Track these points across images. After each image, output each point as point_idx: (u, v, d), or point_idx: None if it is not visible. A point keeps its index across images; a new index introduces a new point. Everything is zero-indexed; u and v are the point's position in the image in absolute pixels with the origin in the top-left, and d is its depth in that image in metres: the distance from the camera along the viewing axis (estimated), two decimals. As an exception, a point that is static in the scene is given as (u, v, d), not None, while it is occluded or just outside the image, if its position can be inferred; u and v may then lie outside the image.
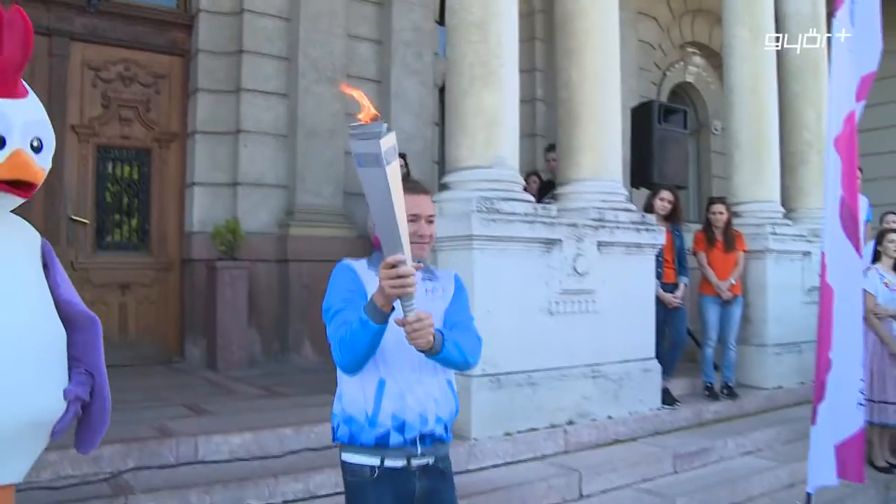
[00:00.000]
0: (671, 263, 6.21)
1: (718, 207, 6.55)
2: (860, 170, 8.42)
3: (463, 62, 5.26)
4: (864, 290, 6.16)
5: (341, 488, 4.19)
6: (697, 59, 11.55)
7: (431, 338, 2.22)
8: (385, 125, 2.00)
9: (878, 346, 6.04)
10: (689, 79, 11.64)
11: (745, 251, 6.60)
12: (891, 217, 7.95)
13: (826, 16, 7.97)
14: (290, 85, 7.69)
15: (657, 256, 5.93)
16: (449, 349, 2.32)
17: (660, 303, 5.99)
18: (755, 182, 7.39)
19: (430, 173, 8.13)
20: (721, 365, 6.60)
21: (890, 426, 6.00)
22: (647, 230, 5.73)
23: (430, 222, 2.55)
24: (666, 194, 6.28)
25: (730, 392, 6.52)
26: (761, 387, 6.99)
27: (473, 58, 5.22)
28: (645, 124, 7.18)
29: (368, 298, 2.26)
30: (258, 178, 7.54)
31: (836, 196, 4.44)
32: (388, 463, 2.44)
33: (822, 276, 4.43)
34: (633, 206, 5.88)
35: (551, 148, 7.39)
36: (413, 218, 2.44)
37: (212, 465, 4.20)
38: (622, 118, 6.14)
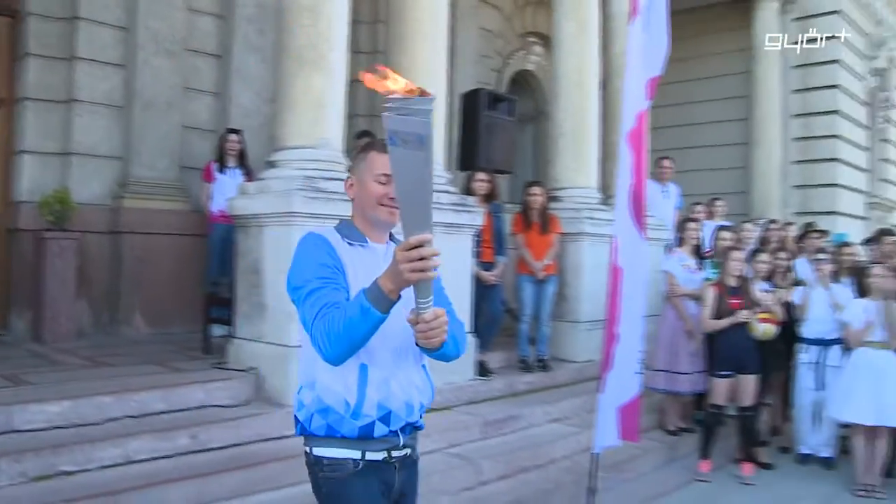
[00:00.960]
0: (489, 243, 6.55)
1: (535, 190, 6.95)
2: (671, 160, 9.19)
3: (294, 44, 5.39)
4: (667, 272, 6.80)
5: (161, 453, 4.31)
6: (538, 49, 11.98)
7: (446, 336, 2.01)
8: (433, 100, 1.77)
9: (676, 322, 6.63)
10: (530, 67, 12.09)
11: (560, 233, 7.05)
12: (698, 207, 8.70)
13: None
14: (128, 56, 7.52)
15: (476, 236, 6.26)
16: (449, 344, 2.11)
17: (478, 280, 6.34)
18: (575, 169, 7.89)
19: (267, 149, 8.18)
20: (536, 340, 7.06)
21: (680, 394, 6.61)
22: (466, 211, 6.04)
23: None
24: (481, 176, 6.63)
25: (543, 365, 6.98)
26: (574, 360, 7.49)
27: (304, 40, 5.36)
28: (473, 111, 7.49)
29: (371, 281, 1.97)
30: (91, 149, 7.35)
31: (627, 185, 4.89)
32: (370, 456, 2.26)
33: (613, 258, 4.89)
34: (453, 189, 6.18)
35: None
36: (385, 179, 2.23)
37: (26, 434, 4.17)
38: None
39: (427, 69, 6.05)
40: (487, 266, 6.54)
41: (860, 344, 5.74)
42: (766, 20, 12.22)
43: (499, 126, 7.67)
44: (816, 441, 6.43)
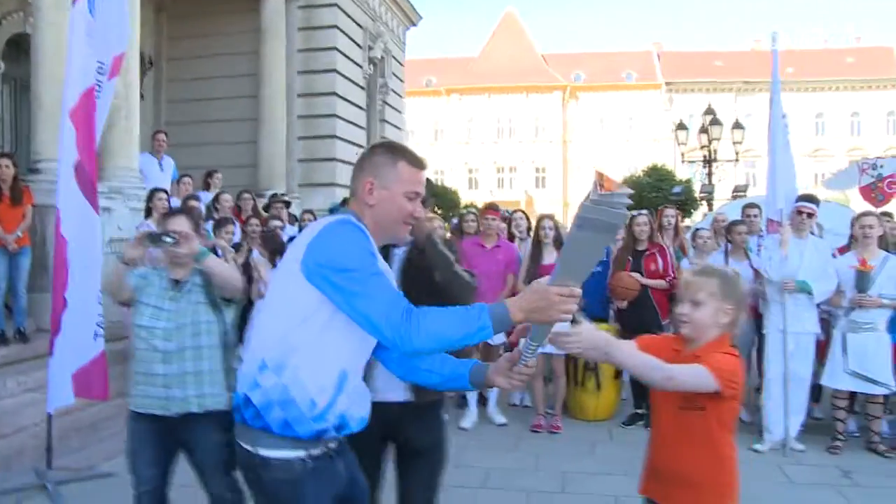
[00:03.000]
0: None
1: (3, 162, 6.86)
2: (165, 134, 9.58)
3: None
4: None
5: None
6: (38, 12, 11.41)
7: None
8: (627, 195, 1.91)
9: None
10: (31, 30, 11.47)
11: (33, 205, 7.04)
12: (185, 179, 9.23)
13: None
14: None
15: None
16: None
17: None
18: (54, 141, 7.83)
19: None
20: (14, 311, 6.99)
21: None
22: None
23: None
24: None
25: (21, 336, 6.95)
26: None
27: None
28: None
29: (500, 305, 2.01)
30: None
31: (72, 160, 5.17)
32: (313, 452, 2.22)
33: (57, 229, 5.16)
34: None
35: None
36: (414, 196, 2.28)
37: None
38: None
39: None
40: None
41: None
42: (273, 4, 13.06)
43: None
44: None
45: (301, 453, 2.18)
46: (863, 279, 5.94)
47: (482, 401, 6.99)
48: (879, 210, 8.38)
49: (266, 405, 2.13)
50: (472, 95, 52.12)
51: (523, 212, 8.17)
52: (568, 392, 6.98)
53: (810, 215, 6.27)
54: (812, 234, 6.57)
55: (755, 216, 7.17)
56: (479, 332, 1.98)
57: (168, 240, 3.37)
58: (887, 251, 6.21)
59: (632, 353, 2.38)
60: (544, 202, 43.11)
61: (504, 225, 7.90)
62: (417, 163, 2.31)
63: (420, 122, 50.97)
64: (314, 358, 2.12)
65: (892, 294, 5.95)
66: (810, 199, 6.38)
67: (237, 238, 7.46)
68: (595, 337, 2.30)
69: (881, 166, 8.80)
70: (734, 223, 7.16)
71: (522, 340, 2.22)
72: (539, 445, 6.22)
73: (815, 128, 49.14)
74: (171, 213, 6.75)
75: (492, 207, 7.33)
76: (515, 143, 51.20)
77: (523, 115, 51.39)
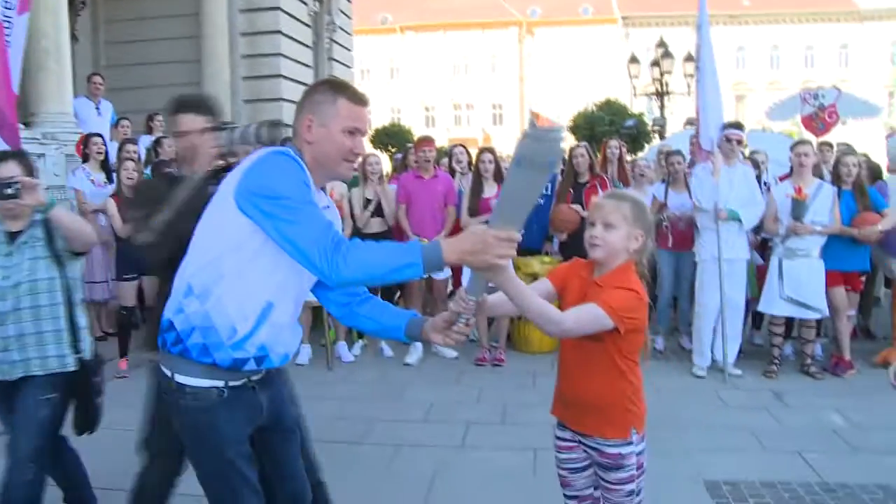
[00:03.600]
0: None
1: None
2: (101, 77, 9.29)
3: None
4: (74, 189, 7.03)
5: None
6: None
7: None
8: (562, 130, 1.90)
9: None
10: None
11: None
12: (124, 122, 9.01)
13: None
14: None
15: None
16: None
17: None
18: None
19: None
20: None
21: (97, 302, 7.02)
22: None
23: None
24: None
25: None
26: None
27: None
28: None
29: (434, 245, 1.99)
30: None
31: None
32: (232, 382, 2.23)
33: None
34: None
35: None
36: (354, 132, 2.25)
37: None
38: None
39: None
40: None
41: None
42: (213, -61, 12.67)
43: None
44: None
45: (218, 383, 2.20)
46: (798, 207, 6.03)
47: (427, 334, 7.05)
48: (820, 140, 8.49)
49: (187, 330, 2.15)
50: (428, 32, 51.35)
51: (463, 146, 8.12)
52: (512, 325, 7.05)
53: (739, 142, 6.35)
54: (753, 165, 6.66)
55: (678, 163, 7.15)
56: (408, 269, 1.97)
57: (9, 191, 2.95)
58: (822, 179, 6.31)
59: (529, 300, 2.27)
60: (502, 139, 42.86)
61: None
62: (358, 99, 2.26)
63: (375, 60, 50.24)
64: (240, 286, 2.12)
65: (824, 221, 6.06)
66: (737, 125, 6.42)
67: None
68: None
69: (822, 96, 8.88)
70: (671, 153, 7.19)
71: (458, 296, 2.23)
72: (482, 378, 6.30)
73: (771, 61, 49.35)
74: (127, 159, 6.64)
75: (426, 139, 7.28)
76: (472, 81, 50.74)
77: (479, 52, 50.84)
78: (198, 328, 2.14)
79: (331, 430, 4.93)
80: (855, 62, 47.96)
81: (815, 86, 9.80)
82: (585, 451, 2.57)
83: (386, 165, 10.46)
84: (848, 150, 7.57)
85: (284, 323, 2.25)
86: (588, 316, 2.32)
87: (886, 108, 34.88)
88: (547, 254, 7.12)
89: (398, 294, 7.56)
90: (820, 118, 8.96)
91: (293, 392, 2.73)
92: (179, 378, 2.20)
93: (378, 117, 42.33)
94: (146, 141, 8.94)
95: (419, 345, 6.85)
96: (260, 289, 2.15)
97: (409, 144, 9.88)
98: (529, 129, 1.95)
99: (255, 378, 2.30)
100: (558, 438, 2.66)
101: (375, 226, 6.99)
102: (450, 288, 7.89)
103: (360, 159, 6.59)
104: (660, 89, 19.39)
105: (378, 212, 6.98)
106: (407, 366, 6.66)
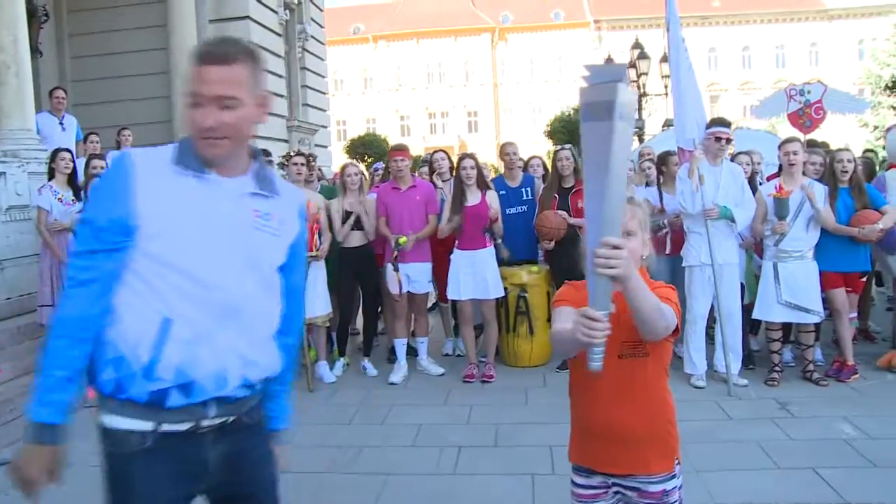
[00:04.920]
0: None
1: None
2: (64, 91, 8.93)
3: None
4: (39, 207, 6.69)
5: None
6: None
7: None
8: (626, 69, 1.59)
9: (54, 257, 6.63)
10: None
11: None
12: (93, 137, 8.66)
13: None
14: None
15: None
16: None
17: None
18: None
19: None
20: None
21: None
22: None
23: (230, 108, 1.81)
24: None
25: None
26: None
27: None
28: None
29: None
30: None
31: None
32: (167, 427, 1.83)
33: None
34: None
35: None
36: (195, 100, 1.81)
37: None
38: None
39: None
40: None
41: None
42: (180, -51, 12.34)
43: None
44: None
45: (144, 425, 1.83)
46: (780, 205, 5.81)
47: (410, 351, 6.77)
48: (807, 137, 8.30)
49: (101, 364, 1.84)
50: (401, 41, 51.17)
51: (444, 152, 7.83)
52: (500, 339, 6.76)
53: (728, 140, 6.13)
54: (742, 165, 6.45)
55: (648, 168, 6.90)
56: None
57: None
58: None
59: (649, 294, 1.93)
60: (478, 146, 42.76)
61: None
62: (202, 56, 1.82)
63: (349, 70, 50.02)
64: (132, 306, 1.82)
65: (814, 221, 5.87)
66: (724, 123, 6.18)
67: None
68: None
69: (808, 92, 8.71)
70: (667, 154, 6.93)
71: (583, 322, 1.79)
72: (471, 397, 5.99)
73: (743, 61, 49.63)
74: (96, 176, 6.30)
75: (399, 148, 6.97)
76: (446, 88, 50.59)
77: (453, 59, 50.71)
78: (110, 362, 1.82)
79: (314, 458, 4.62)
80: (825, 60, 48.35)
81: (799, 83, 9.62)
82: (619, 494, 2.23)
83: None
84: (842, 147, 7.36)
85: (195, 338, 1.83)
86: (670, 312, 2.02)
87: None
88: (535, 263, 6.84)
89: (380, 308, 7.24)
90: (807, 114, 8.78)
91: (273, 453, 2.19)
92: (104, 418, 1.86)
93: (353, 127, 42.09)
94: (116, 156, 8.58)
95: (403, 362, 6.55)
96: (151, 305, 1.81)
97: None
98: (586, 72, 1.69)
99: (206, 424, 1.89)
100: (581, 486, 2.28)
101: (355, 239, 6.69)
102: (433, 300, 7.62)
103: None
104: (637, 91, 19.23)
105: (358, 225, 6.68)
106: (392, 385, 6.35)
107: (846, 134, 24.03)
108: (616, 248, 1.70)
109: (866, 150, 11.35)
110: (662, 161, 6.87)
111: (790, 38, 49.26)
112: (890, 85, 30.99)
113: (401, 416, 5.55)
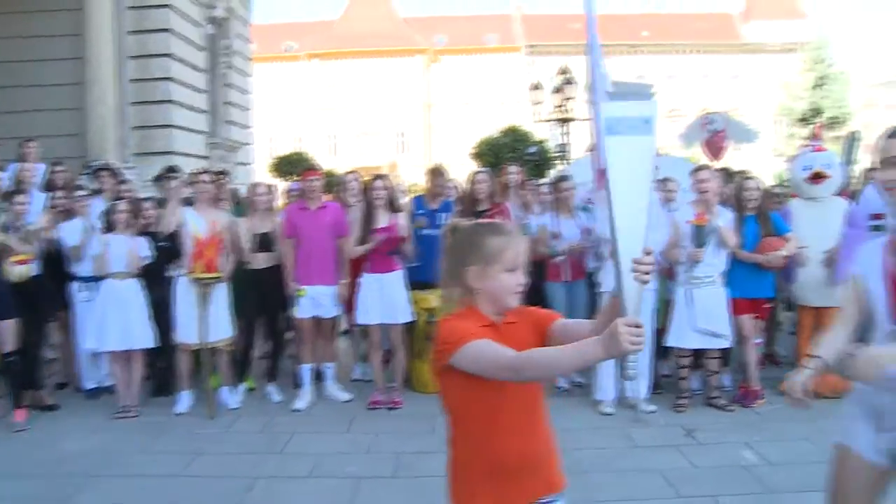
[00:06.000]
0: None
1: None
2: None
3: None
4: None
5: None
6: None
7: None
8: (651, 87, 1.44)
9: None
10: None
11: None
12: None
13: None
14: None
15: None
16: None
17: None
18: None
19: None
20: None
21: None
22: None
23: None
24: None
25: None
26: None
27: None
28: None
29: None
30: None
31: None
32: None
33: None
34: None
35: None
36: None
37: None
38: None
39: None
40: None
41: (107, 275, 6.12)
42: (97, -42, 11.96)
43: None
44: (100, 375, 6.69)
45: None
46: (698, 233, 5.85)
47: (316, 376, 6.58)
48: (717, 165, 8.43)
49: None
50: (334, 60, 50.86)
51: (356, 172, 7.68)
52: (409, 365, 6.62)
53: (656, 167, 6.14)
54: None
55: (567, 189, 6.83)
56: None
57: None
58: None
59: None
60: (408, 167, 42.73)
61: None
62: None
63: (281, 88, 49.49)
64: None
65: (726, 249, 5.94)
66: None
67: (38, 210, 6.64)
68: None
69: (714, 121, 8.90)
70: (560, 179, 6.90)
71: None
72: (376, 424, 5.83)
73: (669, 89, 50.89)
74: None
75: (311, 168, 6.82)
76: (377, 108, 50.41)
77: (385, 80, 50.59)
78: None
79: (206, 491, 4.41)
80: (746, 91, 49.83)
81: (712, 111, 9.82)
82: None
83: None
84: (749, 175, 7.47)
85: None
86: None
87: (774, 134, 36.29)
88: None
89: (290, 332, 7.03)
90: (714, 143, 8.95)
91: None
92: None
93: (282, 145, 41.62)
94: (15, 169, 8.21)
95: (308, 387, 6.36)
96: None
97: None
98: (612, 87, 1.77)
99: None
100: None
101: (263, 261, 6.49)
102: (344, 326, 7.45)
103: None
104: (563, 116, 19.43)
105: (266, 246, 6.49)
106: (296, 412, 6.14)
107: (758, 163, 24.77)
108: (649, 254, 1.79)
109: (784, 180, 11.64)
110: (556, 187, 6.79)
111: (714, 68, 50.69)
112: (802, 117, 32.30)
113: (302, 444, 5.36)
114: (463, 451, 2.17)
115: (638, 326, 1.74)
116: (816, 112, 33.67)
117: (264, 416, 6.05)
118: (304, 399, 6.26)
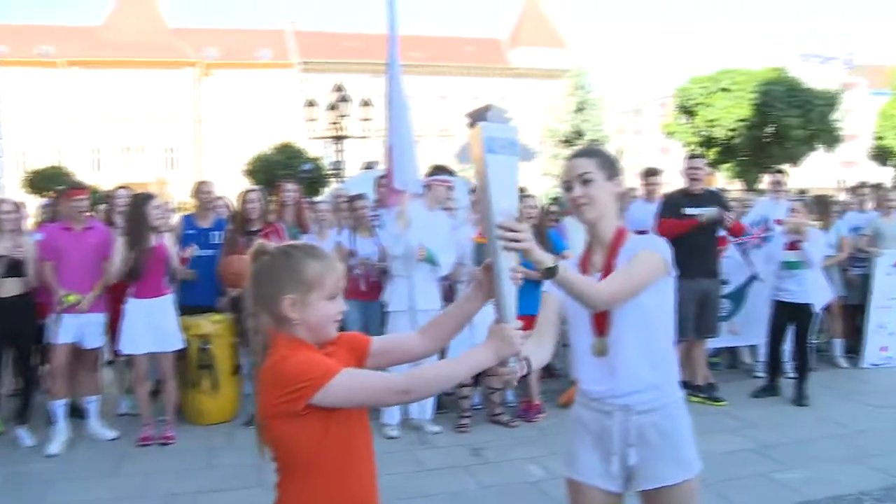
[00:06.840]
0: None
1: None
2: None
3: None
4: None
5: None
6: None
7: None
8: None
9: None
10: None
11: None
12: None
13: None
14: None
15: None
16: None
17: None
18: None
19: None
20: None
21: None
22: None
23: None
24: None
25: None
26: None
27: None
28: None
29: None
30: None
31: None
32: None
33: None
34: None
35: None
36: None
37: None
38: None
39: None
40: None
41: None
42: None
43: None
44: None
45: None
46: (479, 251, 5.87)
47: (78, 413, 5.87)
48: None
49: None
50: (96, 69, 47.44)
51: (128, 188, 7.01)
52: (182, 395, 6.09)
53: (450, 188, 6.17)
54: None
55: (362, 208, 6.65)
56: None
57: None
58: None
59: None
60: (177, 183, 40.72)
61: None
62: None
63: (36, 96, 45.51)
64: None
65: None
66: (450, 171, 6.26)
67: None
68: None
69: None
70: (355, 197, 6.73)
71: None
72: (148, 463, 5.27)
73: (441, 110, 52.43)
74: None
75: (78, 187, 6.13)
76: (144, 122, 47.68)
77: (153, 92, 47.98)
78: None
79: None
80: (514, 113, 52.33)
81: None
82: None
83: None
84: (527, 193, 7.66)
85: None
86: None
87: (541, 155, 38.54)
88: (218, 311, 6.29)
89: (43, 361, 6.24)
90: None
91: None
92: None
93: (37, 159, 38.29)
94: None
95: (63, 426, 5.62)
96: None
97: (61, 188, 8.44)
98: (488, 112, 1.93)
99: None
100: None
101: (11, 288, 5.70)
102: (107, 357, 6.78)
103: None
104: (337, 133, 19.32)
105: (15, 271, 5.71)
106: (50, 457, 5.40)
107: (530, 182, 26.09)
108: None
109: (554, 198, 12.14)
110: (351, 206, 6.61)
111: (483, 91, 52.89)
112: (565, 139, 34.72)
113: (60, 495, 4.68)
114: (313, 495, 1.90)
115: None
116: (578, 134, 36.22)
117: (12, 465, 5.25)
118: (58, 440, 5.52)
